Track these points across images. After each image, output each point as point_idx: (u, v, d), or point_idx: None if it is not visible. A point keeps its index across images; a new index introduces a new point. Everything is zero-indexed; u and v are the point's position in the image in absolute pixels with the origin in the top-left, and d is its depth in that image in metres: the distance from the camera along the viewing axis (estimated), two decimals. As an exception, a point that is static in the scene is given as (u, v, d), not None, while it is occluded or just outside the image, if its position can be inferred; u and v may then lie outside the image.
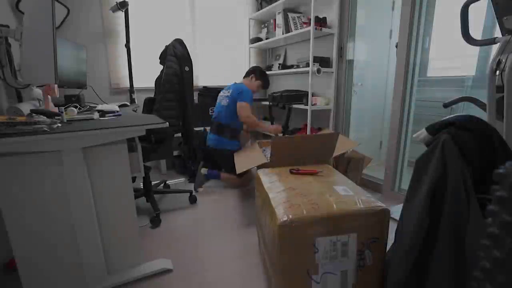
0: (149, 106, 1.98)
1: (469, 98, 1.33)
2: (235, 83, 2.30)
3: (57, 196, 1.02)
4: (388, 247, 0.97)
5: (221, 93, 2.33)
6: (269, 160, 1.57)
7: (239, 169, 1.78)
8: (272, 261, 0.98)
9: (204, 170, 2.25)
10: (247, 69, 3.26)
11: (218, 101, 2.33)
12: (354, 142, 1.96)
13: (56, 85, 1.32)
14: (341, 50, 2.35)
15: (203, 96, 2.82)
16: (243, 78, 2.41)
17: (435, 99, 2.31)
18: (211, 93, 2.83)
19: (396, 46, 1.90)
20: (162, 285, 1.18)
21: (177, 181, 2.48)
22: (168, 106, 1.73)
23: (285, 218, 0.86)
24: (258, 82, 2.34)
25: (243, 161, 1.91)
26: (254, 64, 3.29)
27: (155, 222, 1.68)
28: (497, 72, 1.10)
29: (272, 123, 2.71)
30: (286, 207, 0.92)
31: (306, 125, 2.40)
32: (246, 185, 2.30)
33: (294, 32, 2.40)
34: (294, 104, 2.50)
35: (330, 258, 0.91)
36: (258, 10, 3.01)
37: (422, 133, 0.99)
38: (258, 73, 2.36)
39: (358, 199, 0.95)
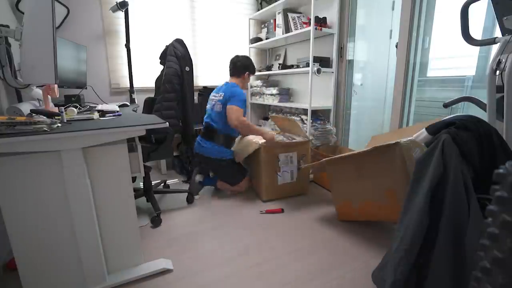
0: (149, 106, 1.99)
1: (469, 98, 1.33)
2: (227, 82, 2.08)
3: (57, 196, 1.02)
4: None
5: (213, 96, 2.10)
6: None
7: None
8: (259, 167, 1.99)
9: (199, 177, 2.13)
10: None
11: (209, 104, 2.12)
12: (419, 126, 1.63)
13: (56, 85, 1.32)
14: (341, 50, 2.35)
15: (203, 96, 2.81)
16: (233, 76, 2.11)
17: (435, 99, 2.31)
18: (211, 93, 2.83)
19: (396, 46, 1.90)
20: (162, 285, 1.18)
21: (177, 181, 2.48)
22: (168, 106, 1.73)
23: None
24: (249, 76, 2.14)
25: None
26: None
27: (156, 222, 1.68)
28: (497, 72, 1.10)
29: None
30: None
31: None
32: (242, 191, 2.16)
33: (294, 32, 2.40)
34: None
35: (285, 164, 2.00)
36: (258, 10, 3.02)
37: (422, 133, 1.00)
38: (251, 68, 2.11)
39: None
